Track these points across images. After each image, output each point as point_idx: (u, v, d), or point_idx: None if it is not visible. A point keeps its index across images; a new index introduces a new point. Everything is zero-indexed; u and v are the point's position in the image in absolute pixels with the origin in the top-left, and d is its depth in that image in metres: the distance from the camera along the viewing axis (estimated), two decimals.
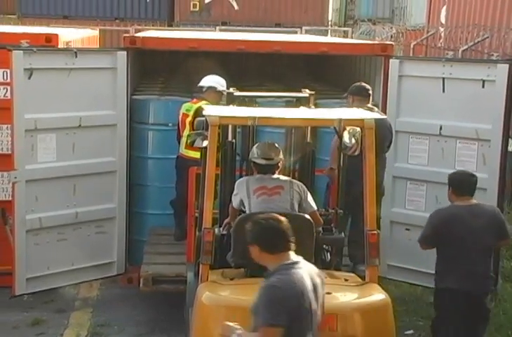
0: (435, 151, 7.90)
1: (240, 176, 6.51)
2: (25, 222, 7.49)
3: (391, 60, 8.09)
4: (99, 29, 13.74)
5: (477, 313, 6.24)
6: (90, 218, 7.90)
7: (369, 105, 7.65)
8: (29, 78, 7.35)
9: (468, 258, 6.15)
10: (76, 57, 7.62)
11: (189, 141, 6.45)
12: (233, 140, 6.35)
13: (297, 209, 5.92)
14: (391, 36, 20.08)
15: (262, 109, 6.21)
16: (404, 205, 8.07)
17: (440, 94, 7.84)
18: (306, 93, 6.78)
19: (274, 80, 10.24)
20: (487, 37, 13.29)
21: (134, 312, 7.77)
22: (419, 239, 6.46)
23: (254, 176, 6.10)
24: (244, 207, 5.97)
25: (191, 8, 20.50)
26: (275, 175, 6.06)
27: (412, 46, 16.85)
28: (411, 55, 16.20)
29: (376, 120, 5.80)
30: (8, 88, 7.60)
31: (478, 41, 13.32)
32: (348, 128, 5.81)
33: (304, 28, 18.62)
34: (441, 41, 16.56)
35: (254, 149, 6.13)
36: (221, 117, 5.63)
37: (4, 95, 7.86)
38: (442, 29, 16.66)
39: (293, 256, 4.30)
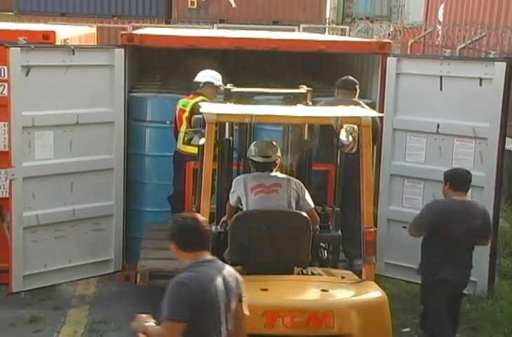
0: (433, 149, 7.91)
1: (238, 171, 6.52)
2: (22, 220, 7.49)
3: (388, 58, 8.09)
4: (97, 27, 13.69)
5: (458, 302, 6.72)
6: (87, 215, 7.90)
7: (355, 99, 7.67)
8: (27, 75, 7.35)
9: (461, 252, 6.45)
10: (74, 54, 7.62)
11: (186, 138, 6.45)
12: (231, 138, 6.36)
13: (294, 207, 5.93)
14: (389, 34, 20.07)
15: (259, 106, 6.22)
16: (401, 203, 8.08)
17: (438, 92, 7.85)
18: (303, 89, 6.78)
19: (272, 78, 10.23)
20: (485, 35, 13.30)
21: (131, 309, 7.72)
22: (411, 225, 6.66)
23: (252, 174, 6.10)
24: (241, 205, 5.97)
25: (189, 6, 20.48)
26: (273, 173, 6.07)
27: (409, 44, 16.85)
28: (408, 53, 16.19)
29: None
30: (6, 85, 7.59)
31: (476, 39, 13.33)
32: (345, 125, 5.81)
33: (301, 26, 18.62)
34: (439, 39, 16.57)
35: (252, 147, 6.14)
36: (218, 115, 5.63)
37: (1, 92, 7.84)
38: (439, 27, 16.67)
39: (208, 256, 4.46)
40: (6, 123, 7.56)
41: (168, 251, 7.60)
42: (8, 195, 7.63)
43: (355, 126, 5.73)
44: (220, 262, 4.55)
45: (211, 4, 20.54)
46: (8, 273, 7.49)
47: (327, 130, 5.97)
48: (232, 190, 6.04)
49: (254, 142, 6.22)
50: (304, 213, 5.79)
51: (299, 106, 6.43)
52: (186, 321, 4.24)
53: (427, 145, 7.95)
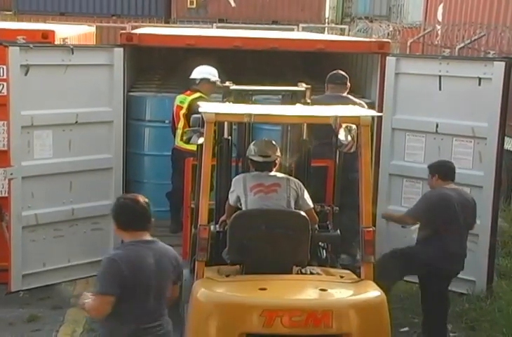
0: (432, 148, 7.91)
1: (236, 167, 6.52)
2: (21, 219, 7.49)
3: (387, 58, 8.09)
4: (96, 26, 13.67)
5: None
6: (86, 215, 7.90)
7: (344, 94, 7.67)
8: (26, 74, 7.35)
9: (460, 239, 6.82)
10: (73, 53, 7.62)
11: (185, 138, 6.46)
12: (229, 137, 6.36)
13: (293, 206, 5.92)
14: (388, 34, 20.09)
15: (258, 106, 6.22)
16: (400, 202, 8.08)
17: (437, 92, 7.85)
18: (302, 87, 6.78)
19: (272, 78, 10.23)
20: (484, 35, 13.30)
21: None
22: (409, 213, 6.95)
23: (251, 173, 6.10)
24: (240, 204, 5.97)
25: (188, 5, 20.49)
26: (272, 173, 6.06)
27: (408, 44, 16.85)
28: (408, 52, 16.19)
29: None
30: (5, 84, 7.58)
31: (475, 39, 13.33)
32: (344, 125, 5.81)
33: (300, 25, 18.61)
34: (438, 38, 16.57)
35: (251, 146, 6.13)
36: (217, 114, 5.63)
37: (0, 92, 7.82)
38: (438, 27, 16.67)
39: (147, 236, 4.74)
40: (5, 122, 7.55)
41: None
42: (7, 194, 7.62)
43: (354, 126, 5.73)
44: (161, 244, 4.79)
45: (210, 4, 20.55)
46: (7, 272, 7.49)
47: (325, 126, 5.98)
48: (231, 190, 6.04)
49: (253, 142, 6.21)
50: (303, 213, 5.79)
51: (298, 105, 6.43)
52: (115, 296, 4.53)
53: (426, 145, 7.96)
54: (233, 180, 6.12)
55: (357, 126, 5.69)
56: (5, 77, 7.52)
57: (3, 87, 7.76)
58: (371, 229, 5.59)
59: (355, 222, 5.77)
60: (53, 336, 7.11)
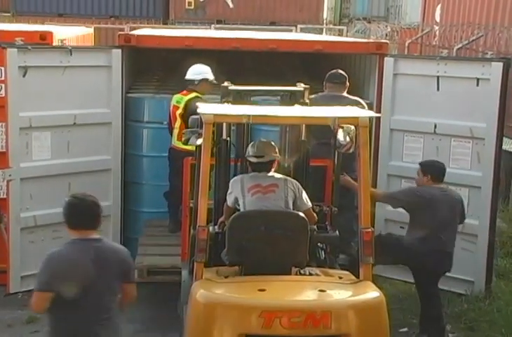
0: (430, 149, 7.91)
1: (235, 166, 6.52)
2: (20, 220, 7.49)
3: (385, 58, 8.10)
4: (94, 27, 13.69)
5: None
6: None
7: (343, 94, 7.67)
8: (24, 76, 7.35)
9: (447, 235, 6.91)
10: (71, 55, 7.63)
11: (183, 139, 6.46)
12: (228, 138, 6.36)
13: (291, 207, 5.92)
14: (386, 35, 20.08)
15: (257, 107, 6.21)
16: None
17: (435, 92, 7.86)
18: (300, 87, 6.78)
19: (270, 79, 10.22)
20: (482, 35, 13.31)
21: (129, 309, 7.75)
22: (393, 195, 7.19)
23: (249, 174, 6.10)
24: (239, 205, 5.97)
25: (186, 6, 20.48)
26: (270, 173, 6.06)
27: (406, 44, 16.86)
28: (406, 53, 16.19)
29: None
30: (3, 85, 7.59)
31: (473, 40, 13.34)
32: (342, 125, 5.81)
33: (299, 26, 18.60)
34: (436, 39, 16.58)
35: (250, 147, 6.13)
36: (215, 115, 5.62)
37: None
38: (436, 28, 16.69)
39: (94, 235, 4.85)
40: (4, 124, 7.56)
41: (166, 248, 7.71)
42: (5, 196, 7.63)
43: (353, 127, 5.73)
44: (106, 242, 4.93)
45: (208, 5, 20.55)
46: (6, 274, 7.50)
47: (324, 126, 5.98)
48: (229, 191, 6.04)
49: (251, 143, 6.22)
50: (301, 214, 5.78)
51: (297, 106, 6.43)
52: (52, 292, 4.66)
53: (424, 145, 7.97)
54: (231, 181, 6.12)
55: (355, 127, 5.69)
56: (3, 79, 7.53)
57: (1, 88, 7.76)
58: (370, 229, 5.59)
59: (354, 222, 5.77)
60: None
